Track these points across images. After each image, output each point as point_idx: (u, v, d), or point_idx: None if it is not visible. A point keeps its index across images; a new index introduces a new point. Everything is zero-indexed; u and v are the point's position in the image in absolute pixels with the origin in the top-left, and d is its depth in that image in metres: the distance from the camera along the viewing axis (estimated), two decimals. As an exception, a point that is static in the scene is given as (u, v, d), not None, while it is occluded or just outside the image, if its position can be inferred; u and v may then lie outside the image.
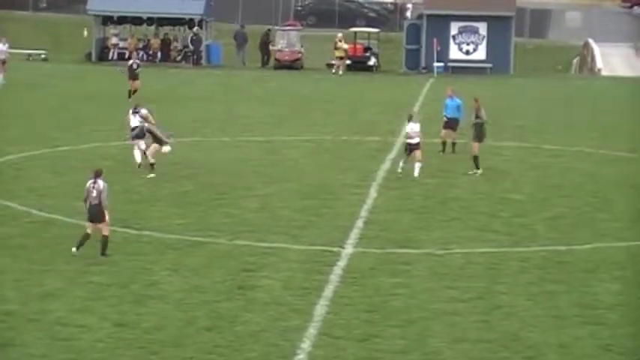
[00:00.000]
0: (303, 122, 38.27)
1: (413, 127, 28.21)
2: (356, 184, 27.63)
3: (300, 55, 59.17)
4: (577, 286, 19.26)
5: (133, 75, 42.88)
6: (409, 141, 28.23)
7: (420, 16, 60.82)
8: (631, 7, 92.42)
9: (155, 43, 59.53)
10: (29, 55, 59.35)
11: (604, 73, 62.02)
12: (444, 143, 31.99)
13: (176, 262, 20.32)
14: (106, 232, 20.51)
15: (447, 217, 24.39)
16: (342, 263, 20.42)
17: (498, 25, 57.76)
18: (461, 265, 20.49)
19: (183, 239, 21.93)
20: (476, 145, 28.85)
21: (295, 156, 31.63)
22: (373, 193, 26.66)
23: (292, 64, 58.60)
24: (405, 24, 61.88)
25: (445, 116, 32.13)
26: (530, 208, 25.48)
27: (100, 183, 20.55)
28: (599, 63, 63.28)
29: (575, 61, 67.95)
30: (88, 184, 20.73)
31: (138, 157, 28.78)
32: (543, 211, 25.10)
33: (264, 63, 59.74)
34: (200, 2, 62.32)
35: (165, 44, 59.53)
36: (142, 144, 28.81)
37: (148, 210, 24.36)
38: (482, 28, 57.94)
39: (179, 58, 59.28)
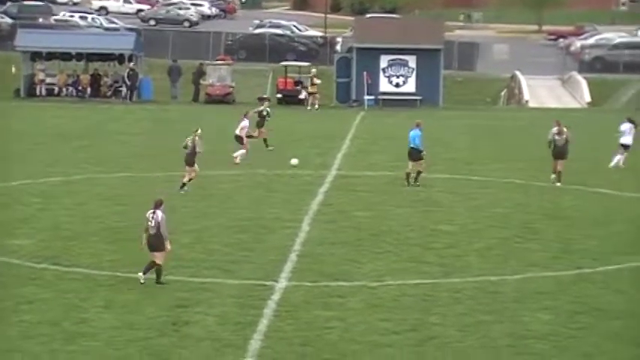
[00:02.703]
0: (235, 156, 38.23)
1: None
2: (289, 217, 27.67)
3: (231, 89, 59.25)
4: (508, 317, 19.45)
5: (262, 122, 39.12)
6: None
7: (350, 50, 61.26)
8: (556, 39, 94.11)
9: (85, 78, 59.14)
10: (-44, 92, 58.67)
11: (531, 104, 62.93)
12: (408, 175, 32.15)
13: (108, 298, 20.15)
14: (159, 262, 20.66)
15: (380, 249, 24.50)
16: (275, 297, 20.41)
17: (427, 58, 58.36)
18: (394, 297, 20.59)
19: (115, 275, 21.75)
20: (560, 162, 32.69)
21: (228, 190, 31.58)
22: (306, 226, 26.71)
23: (224, 99, 58.64)
24: (336, 57, 62.26)
25: (415, 148, 32.09)
26: (461, 239, 25.71)
27: (159, 214, 20.73)
28: (527, 95, 64.22)
29: (502, 93, 68.89)
30: (147, 214, 20.65)
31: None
32: (475, 242, 25.33)
33: (196, 98, 59.70)
34: (130, 37, 62.16)
35: (95, 80, 59.18)
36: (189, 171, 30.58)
37: (78, 246, 24.14)
38: (412, 60, 58.49)
39: (109, 93, 58.97)
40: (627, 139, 36.80)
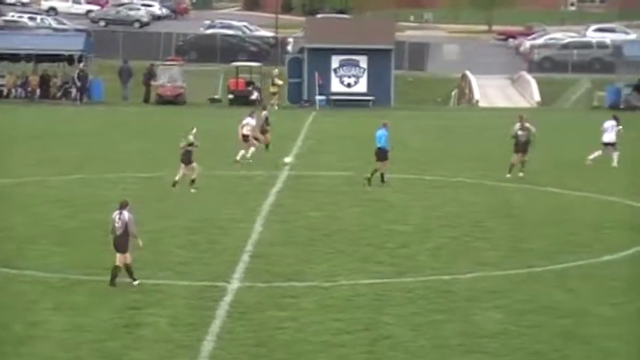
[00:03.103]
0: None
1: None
2: (242, 218, 27.64)
3: (182, 90, 59.08)
4: (460, 316, 19.57)
5: (265, 127, 38.68)
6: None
7: (301, 50, 61.33)
8: (506, 39, 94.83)
9: (34, 80, 58.67)
10: None
11: (481, 104, 63.38)
12: (374, 172, 32.27)
13: (59, 301, 20.02)
14: (118, 263, 20.70)
15: (332, 249, 24.55)
16: (228, 298, 20.39)
17: (378, 58, 58.59)
18: (347, 297, 20.64)
19: (67, 278, 21.62)
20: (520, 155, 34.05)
21: (181, 191, 31.46)
22: (259, 227, 26.70)
23: (175, 100, 58.46)
24: (287, 58, 62.32)
25: (382, 147, 32.20)
26: (414, 238, 25.82)
27: (125, 214, 20.61)
28: (477, 94, 64.67)
29: (453, 93, 69.33)
30: (113, 215, 20.59)
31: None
32: (427, 242, 25.46)
33: (147, 99, 59.49)
34: (79, 38, 61.83)
35: (45, 81, 58.71)
36: (183, 169, 30.82)
37: (29, 249, 23.96)
38: (363, 61, 58.70)
39: (59, 94, 58.54)
40: (610, 137, 37.01)
